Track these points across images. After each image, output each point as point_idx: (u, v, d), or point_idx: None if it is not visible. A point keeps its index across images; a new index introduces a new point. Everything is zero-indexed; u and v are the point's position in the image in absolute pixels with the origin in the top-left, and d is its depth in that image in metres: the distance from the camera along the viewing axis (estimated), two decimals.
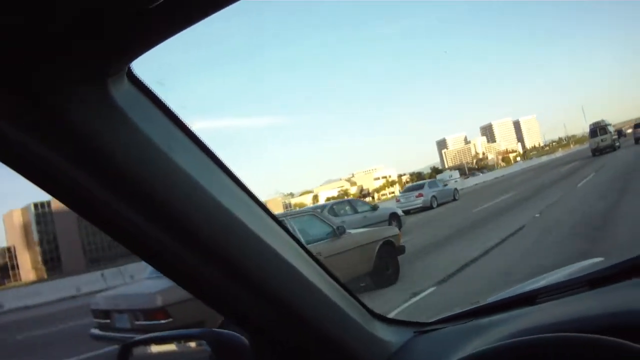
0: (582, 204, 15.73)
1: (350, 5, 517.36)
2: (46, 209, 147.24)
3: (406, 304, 8.61)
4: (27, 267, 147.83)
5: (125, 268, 28.33)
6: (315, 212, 10.77)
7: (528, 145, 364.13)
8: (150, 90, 1.01)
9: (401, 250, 11.08)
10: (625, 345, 1.01)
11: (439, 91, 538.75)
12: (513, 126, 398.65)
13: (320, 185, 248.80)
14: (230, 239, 1.13)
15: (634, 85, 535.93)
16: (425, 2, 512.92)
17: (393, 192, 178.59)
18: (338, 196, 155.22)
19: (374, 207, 21.59)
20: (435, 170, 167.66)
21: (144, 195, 0.99)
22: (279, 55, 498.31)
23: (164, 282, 6.19)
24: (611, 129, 48.99)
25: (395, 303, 8.72)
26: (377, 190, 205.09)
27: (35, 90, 0.83)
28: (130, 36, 0.83)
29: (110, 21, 0.77)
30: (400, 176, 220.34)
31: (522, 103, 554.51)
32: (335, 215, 19.11)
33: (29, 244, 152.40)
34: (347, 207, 20.86)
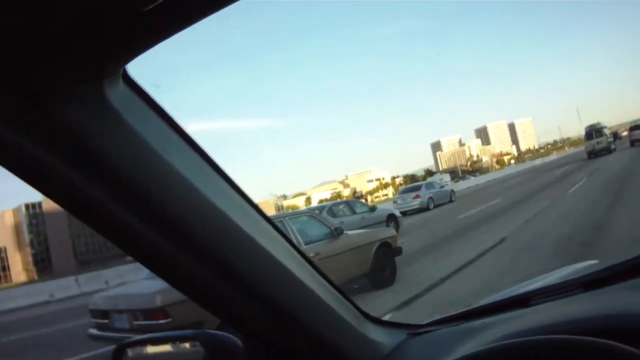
0: (571, 214, 14.71)
1: (347, 8, 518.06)
2: (37, 210, 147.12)
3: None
4: (18, 268, 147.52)
5: (117, 270, 28.31)
6: (314, 213, 10.90)
7: (523, 148, 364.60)
8: (145, 92, 1.01)
9: (398, 251, 11.18)
10: (619, 348, 1.02)
11: (434, 93, 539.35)
12: (508, 129, 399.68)
13: (315, 187, 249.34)
14: (225, 241, 1.14)
15: (630, 88, 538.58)
16: (420, 4, 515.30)
17: (386, 195, 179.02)
18: (331, 198, 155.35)
19: (372, 208, 21.71)
20: (429, 173, 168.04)
21: (139, 197, 1.00)
22: (274, 58, 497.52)
23: (163, 282, 6.04)
24: (607, 131, 49.52)
25: (388, 305, 8.75)
26: (371, 193, 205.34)
27: (34, 90, 0.83)
28: (126, 37, 0.83)
29: (107, 22, 0.77)
30: (393, 178, 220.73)
31: (518, 105, 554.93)
32: (334, 216, 19.34)
33: (20, 245, 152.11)
34: (346, 208, 20.95)
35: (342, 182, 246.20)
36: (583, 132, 53.26)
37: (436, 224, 21.55)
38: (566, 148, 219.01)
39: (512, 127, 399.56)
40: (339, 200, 44.64)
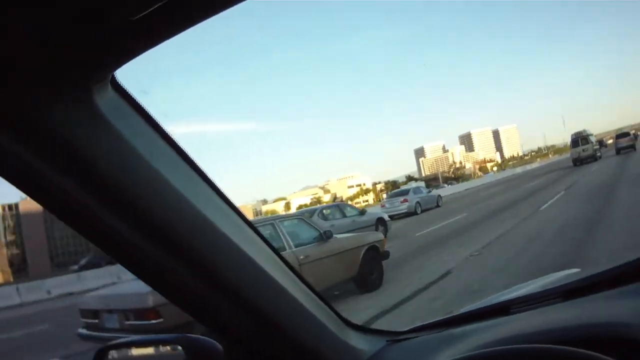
0: (538, 239, 12.33)
1: (333, 15, 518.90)
2: (14, 211, 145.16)
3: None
4: None
5: (79, 275, 28.85)
6: (304, 217, 11.08)
7: (507, 155, 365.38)
8: (133, 98, 1.03)
9: (385, 255, 11.36)
10: (597, 358, 1.05)
11: (418, 100, 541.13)
12: (492, 135, 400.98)
13: (296, 192, 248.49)
14: (210, 248, 1.16)
15: (615, 96, 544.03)
16: (404, 11, 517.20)
17: (367, 201, 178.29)
18: (310, 204, 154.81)
19: (362, 212, 22.11)
20: (410, 179, 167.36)
21: (126, 203, 1.02)
22: (260, 63, 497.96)
23: None
24: (593, 139, 49.59)
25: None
26: (351, 199, 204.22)
27: (23, 94, 0.85)
28: (116, 44, 0.85)
29: (98, 29, 0.79)
30: (375, 184, 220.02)
31: (503, 112, 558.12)
32: (325, 219, 19.88)
33: None
34: (337, 212, 21.35)
35: (322, 188, 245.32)
36: (568, 140, 53.04)
37: (389, 243, 17.93)
38: (550, 156, 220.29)
39: (496, 134, 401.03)
40: (318, 205, 44.68)
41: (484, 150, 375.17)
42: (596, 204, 16.19)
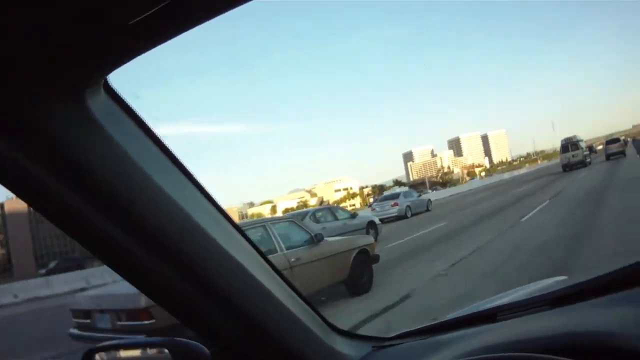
0: (516, 257, 11.28)
1: (323, 18, 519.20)
2: (0, 211, 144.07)
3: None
4: None
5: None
6: (295, 219, 11.15)
7: (496, 160, 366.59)
8: (125, 102, 1.03)
9: (375, 259, 11.52)
10: None
11: (407, 104, 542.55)
12: (481, 140, 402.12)
13: (283, 196, 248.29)
14: (200, 253, 1.17)
15: (605, 103, 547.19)
16: (395, 15, 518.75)
17: (354, 205, 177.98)
18: (297, 207, 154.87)
19: (353, 215, 22.41)
20: (398, 183, 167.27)
21: (118, 207, 1.03)
22: (249, 65, 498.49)
23: None
24: (583, 144, 49.84)
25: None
26: (338, 203, 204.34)
27: (16, 96, 0.85)
28: (110, 48, 0.85)
29: (93, 33, 0.79)
30: (362, 188, 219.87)
31: (492, 117, 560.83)
32: (317, 221, 20.17)
33: None
34: (328, 214, 21.63)
35: (309, 191, 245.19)
36: (557, 146, 53.43)
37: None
38: (539, 161, 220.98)
39: (485, 139, 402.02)
40: (305, 208, 44.58)
41: (473, 155, 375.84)
42: (584, 213, 15.77)
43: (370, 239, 12.40)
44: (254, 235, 9.32)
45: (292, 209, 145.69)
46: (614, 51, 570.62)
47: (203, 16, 0.84)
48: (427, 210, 35.48)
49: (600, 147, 78.90)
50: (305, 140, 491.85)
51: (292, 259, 9.19)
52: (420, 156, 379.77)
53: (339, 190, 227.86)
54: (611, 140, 55.31)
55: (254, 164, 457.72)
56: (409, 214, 32.64)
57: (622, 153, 49.65)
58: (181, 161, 1.15)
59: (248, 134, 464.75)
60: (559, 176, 42.10)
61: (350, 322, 8.20)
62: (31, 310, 20.31)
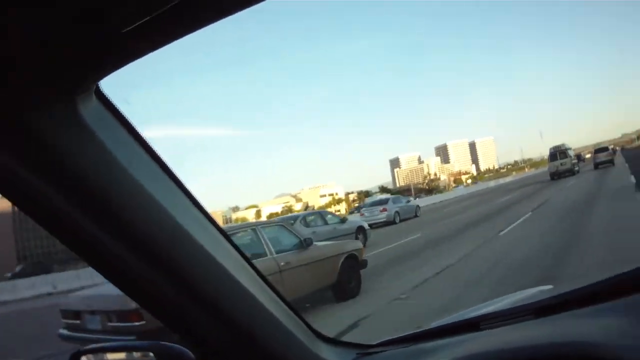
0: (489, 278, 10.13)
1: (306, 25, 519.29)
2: None
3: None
4: None
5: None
6: (285, 223, 11.32)
7: (483, 168, 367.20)
8: (116, 108, 1.04)
9: (363, 264, 11.63)
10: None
11: (396, 110, 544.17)
12: (468, 147, 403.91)
13: (268, 200, 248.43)
14: (187, 259, 1.18)
15: (593, 111, 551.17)
16: (382, 22, 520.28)
17: (339, 210, 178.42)
18: (282, 212, 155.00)
19: (343, 220, 22.62)
20: (383, 189, 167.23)
21: (107, 213, 1.04)
22: (236, 69, 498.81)
23: None
24: (571, 153, 50.14)
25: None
26: (323, 208, 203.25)
27: (7, 102, 0.86)
28: (102, 56, 0.86)
29: (86, 41, 0.80)
30: (347, 194, 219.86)
31: (480, 125, 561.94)
32: (307, 226, 20.45)
33: None
34: (318, 219, 21.88)
35: (294, 196, 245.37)
36: (545, 154, 53.19)
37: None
38: (526, 169, 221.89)
39: (472, 146, 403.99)
40: (290, 214, 44.32)
41: (460, 162, 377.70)
42: (571, 223, 15.16)
43: (358, 244, 12.49)
44: (244, 238, 9.47)
45: (277, 213, 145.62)
46: (604, 60, 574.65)
47: (198, 23, 0.85)
48: (416, 216, 35.84)
49: (588, 155, 79.00)
50: (292, 145, 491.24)
51: (282, 263, 9.31)
52: (407, 162, 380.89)
53: (325, 195, 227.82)
54: (600, 149, 55.42)
55: (241, 168, 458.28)
56: (397, 220, 32.92)
57: (611, 162, 49.71)
58: (170, 167, 1.16)
59: (235, 138, 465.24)
60: (547, 184, 42.22)
61: (337, 328, 8.23)
62: None
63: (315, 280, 10.18)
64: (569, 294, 1.68)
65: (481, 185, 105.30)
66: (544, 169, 58.72)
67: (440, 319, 2.19)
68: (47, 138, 0.91)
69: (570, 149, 50.54)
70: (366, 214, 33.48)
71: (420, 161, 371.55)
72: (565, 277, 8.72)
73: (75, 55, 0.83)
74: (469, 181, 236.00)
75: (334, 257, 10.82)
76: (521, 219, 19.62)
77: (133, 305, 6.69)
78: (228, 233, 1.40)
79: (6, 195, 1.00)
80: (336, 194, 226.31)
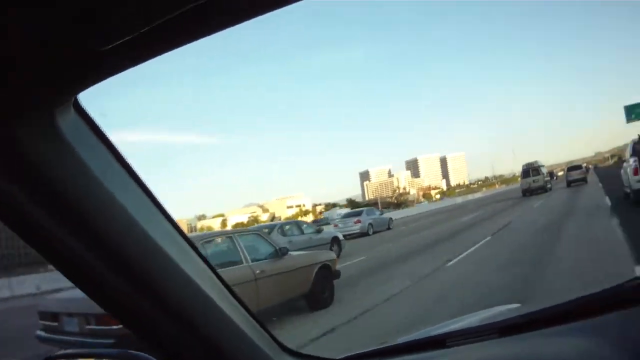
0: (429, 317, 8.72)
1: (282, 34, 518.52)
2: None
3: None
4: None
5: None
6: (260, 232, 11.64)
7: (453, 183, 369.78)
8: (94, 121, 1.05)
9: (337, 274, 11.95)
10: None
11: (365, 122, 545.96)
12: (439, 162, 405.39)
13: (235, 209, 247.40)
14: (157, 270, 1.19)
15: (565, 129, 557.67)
16: (351, 35, 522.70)
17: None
18: (248, 222, 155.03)
19: (319, 230, 23.27)
20: (351, 202, 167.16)
21: (80, 224, 1.05)
22: (205, 76, 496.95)
23: None
24: (544, 170, 50.64)
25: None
26: (289, 219, 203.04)
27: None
28: (81, 71, 0.87)
29: (64, 57, 0.82)
30: (315, 206, 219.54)
31: (452, 140, 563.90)
32: (284, 234, 21.15)
33: None
34: (295, 228, 22.45)
35: (261, 206, 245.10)
36: (516, 171, 54.34)
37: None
38: (497, 185, 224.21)
39: (443, 161, 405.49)
40: (256, 224, 44.16)
41: (430, 177, 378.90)
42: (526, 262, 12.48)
43: (332, 254, 12.84)
44: (221, 246, 9.80)
45: (242, 223, 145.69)
46: (578, 78, 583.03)
47: (172, 44, 0.87)
48: (389, 228, 36.73)
49: (561, 173, 79.76)
50: (260, 155, 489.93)
51: (257, 271, 9.53)
52: (377, 176, 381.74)
53: (292, 207, 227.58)
54: (572, 167, 55.90)
55: (210, 176, 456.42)
56: (370, 232, 33.94)
57: (584, 180, 50.27)
58: (142, 179, 1.18)
59: (205, 145, 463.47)
60: (517, 201, 42.39)
61: (308, 336, 8.43)
62: None
63: (289, 289, 10.53)
64: (536, 313, 1.72)
65: (448, 202, 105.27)
66: (515, 185, 59.06)
67: (407, 335, 2.22)
68: (23, 147, 0.92)
69: (543, 166, 51.18)
70: (340, 225, 34.35)
71: (390, 175, 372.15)
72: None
73: (53, 71, 0.84)
74: (438, 196, 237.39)
75: (308, 267, 11.16)
76: (477, 245, 17.74)
77: None
78: (205, 240, 1.46)
79: None
80: (303, 205, 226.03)
